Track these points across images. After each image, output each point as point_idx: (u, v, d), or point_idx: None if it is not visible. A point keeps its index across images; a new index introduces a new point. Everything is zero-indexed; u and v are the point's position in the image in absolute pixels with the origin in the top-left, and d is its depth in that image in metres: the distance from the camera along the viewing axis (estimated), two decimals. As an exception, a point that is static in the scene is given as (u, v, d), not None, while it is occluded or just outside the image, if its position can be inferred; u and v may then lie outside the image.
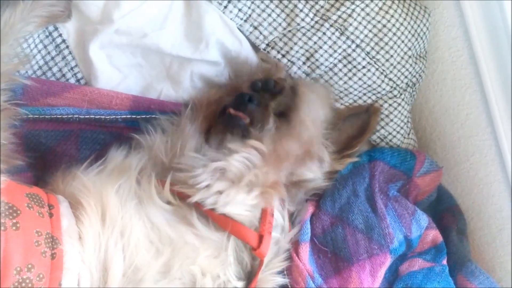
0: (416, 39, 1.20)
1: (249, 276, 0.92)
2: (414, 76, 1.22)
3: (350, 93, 1.16)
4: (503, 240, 1.19)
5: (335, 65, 1.15)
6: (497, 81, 1.13)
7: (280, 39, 1.13)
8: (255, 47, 1.14)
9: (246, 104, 0.99)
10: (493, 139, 1.17)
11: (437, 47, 1.25)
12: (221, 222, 0.88)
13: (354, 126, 1.09)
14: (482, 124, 1.19)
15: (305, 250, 0.98)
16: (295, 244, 0.98)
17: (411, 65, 1.20)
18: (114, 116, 0.98)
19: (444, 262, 1.07)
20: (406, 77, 1.19)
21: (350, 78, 1.15)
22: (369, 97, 1.17)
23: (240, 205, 0.89)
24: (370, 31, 1.16)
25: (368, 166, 1.09)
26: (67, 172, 0.89)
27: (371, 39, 1.16)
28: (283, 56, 1.12)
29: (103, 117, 0.97)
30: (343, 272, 0.97)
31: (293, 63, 1.13)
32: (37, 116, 0.94)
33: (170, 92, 1.08)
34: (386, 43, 1.16)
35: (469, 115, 1.22)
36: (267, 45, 1.13)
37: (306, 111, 0.97)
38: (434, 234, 1.09)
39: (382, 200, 1.04)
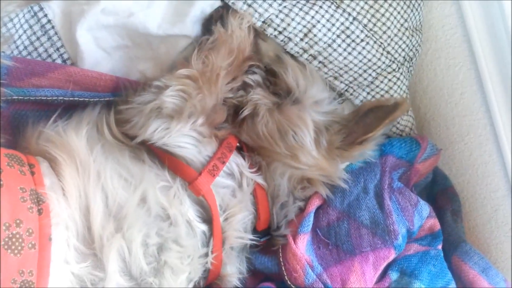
0: (412, 11, 1.18)
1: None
2: (411, 50, 1.20)
3: (350, 69, 1.14)
4: (499, 221, 1.18)
5: (334, 40, 1.12)
6: (491, 58, 1.12)
7: (277, 16, 1.09)
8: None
9: None
10: (488, 118, 1.16)
11: (431, 25, 1.24)
12: (162, 156, 0.90)
13: (378, 117, 1.00)
14: (477, 103, 1.18)
15: (303, 241, 0.97)
16: (294, 234, 0.98)
17: (408, 37, 1.18)
18: (97, 99, 0.96)
19: (439, 247, 1.06)
20: (403, 50, 1.18)
21: (349, 53, 1.13)
22: (369, 74, 1.15)
23: (178, 135, 0.90)
24: (366, 2, 1.14)
25: (380, 161, 1.07)
26: (35, 131, 0.90)
27: (367, 11, 1.14)
28: (280, 33, 1.09)
29: (87, 99, 0.96)
30: (345, 262, 0.96)
31: (290, 39, 1.10)
32: (22, 98, 0.93)
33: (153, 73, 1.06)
34: (383, 15, 1.15)
35: (463, 94, 1.21)
36: (263, 22, 1.09)
37: (234, 24, 1.01)
38: (432, 222, 1.08)
39: (388, 195, 1.02)
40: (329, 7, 1.12)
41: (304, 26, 1.10)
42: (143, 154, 0.91)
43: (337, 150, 1.00)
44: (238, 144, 0.98)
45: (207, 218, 0.91)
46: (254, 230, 0.98)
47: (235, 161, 0.95)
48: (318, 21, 1.11)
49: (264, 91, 1.03)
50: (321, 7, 1.11)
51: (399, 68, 1.18)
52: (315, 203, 1.01)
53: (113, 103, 0.97)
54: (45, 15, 1.02)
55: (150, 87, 0.93)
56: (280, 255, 0.98)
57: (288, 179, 0.99)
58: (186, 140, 0.91)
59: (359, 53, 1.14)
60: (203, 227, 0.91)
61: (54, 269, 0.75)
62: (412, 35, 1.19)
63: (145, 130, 0.89)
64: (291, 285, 0.96)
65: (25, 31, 1.01)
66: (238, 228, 0.94)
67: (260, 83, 1.04)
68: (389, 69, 1.17)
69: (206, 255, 0.90)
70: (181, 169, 0.90)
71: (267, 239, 1.01)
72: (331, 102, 1.08)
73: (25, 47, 1.01)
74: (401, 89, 1.18)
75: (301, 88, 1.03)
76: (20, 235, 0.71)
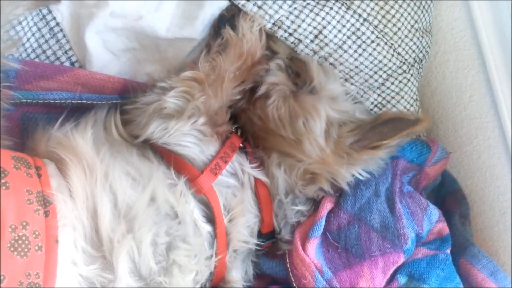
0: (422, 12, 1.18)
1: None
2: (421, 51, 1.20)
3: (361, 70, 1.13)
4: (506, 224, 1.17)
5: (344, 42, 1.11)
6: (500, 61, 1.11)
7: (287, 18, 1.08)
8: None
9: None
10: (496, 121, 1.15)
11: (440, 28, 1.23)
12: (167, 155, 0.91)
13: (396, 128, 0.96)
14: (485, 106, 1.17)
15: (313, 245, 0.96)
16: (303, 238, 0.97)
17: (418, 38, 1.18)
18: (105, 101, 0.97)
19: (448, 251, 1.06)
20: (413, 51, 1.17)
21: (360, 55, 1.12)
22: (380, 75, 1.14)
23: (178, 134, 0.90)
24: (376, 4, 1.13)
25: (391, 164, 1.05)
26: (44, 134, 0.90)
27: (378, 12, 1.13)
28: (290, 34, 1.08)
29: (95, 102, 0.96)
30: (355, 267, 0.95)
31: (300, 41, 1.09)
32: (30, 101, 0.93)
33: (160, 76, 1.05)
34: (393, 16, 1.14)
35: (472, 97, 1.20)
36: (274, 24, 1.08)
37: (244, 27, 1.00)
38: (441, 227, 1.07)
39: (399, 198, 1.01)
40: (340, 8, 1.11)
41: (315, 28, 1.10)
42: (150, 153, 0.91)
43: (347, 148, 0.97)
44: (241, 144, 0.98)
45: (212, 218, 0.91)
46: (259, 234, 0.98)
47: (238, 160, 0.95)
48: (329, 23, 1.10)
49: (284, 76, 1.02)
50: (331, 8, 1.11)
51: (409, 70, 1.17)
52: (327, 207, 1.00)
53: (120, 103, 0.97)
54: (54, 18, 1.02)
55: (155, 88, 0.93)
56: (287, 260, 0.98)
57: (287, 171, 0.97)
58: (188, 139, 0.91)
59: (370, 54, 1.13)
60: (208, 227, 0.90)
61: (62, 271, 0.75)
62: (422, 37, 1.19)
63: (146, 129, 0.90)
64: (300, 291, 0.96)
65: (33, 34, 1.01)
66: (243, 231, 0.93)
67: (282, 67, 1.04)
68: (399, 71, 1.16)
69: (212, 257, 0.90)
70: (184, 168, 0.90)
71: (272, 243, 1.01)
72: (348, 102, 1.07)
73: (34, 50, 1.01)
74: (411, 90, 1.18)
75: (322, 80, 1.02)
76: (26, 237, 0.71)
